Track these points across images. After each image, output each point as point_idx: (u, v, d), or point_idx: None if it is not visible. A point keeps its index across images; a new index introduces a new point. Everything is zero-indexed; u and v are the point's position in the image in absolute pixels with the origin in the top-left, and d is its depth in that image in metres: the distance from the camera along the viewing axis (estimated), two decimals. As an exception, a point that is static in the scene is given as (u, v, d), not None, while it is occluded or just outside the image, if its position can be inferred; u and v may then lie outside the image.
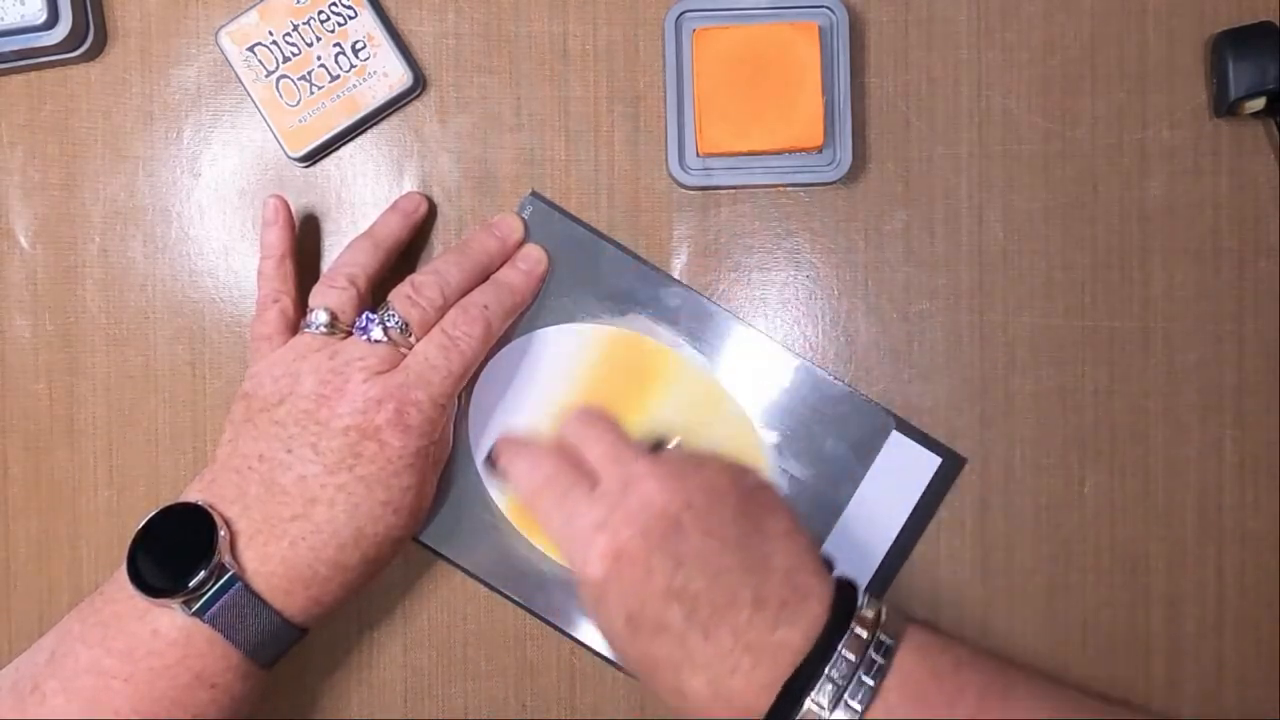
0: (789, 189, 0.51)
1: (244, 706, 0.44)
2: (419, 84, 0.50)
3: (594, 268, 0.51)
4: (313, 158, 0.50)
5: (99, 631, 0.42)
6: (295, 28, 0.49)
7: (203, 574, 0.41)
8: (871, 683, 0.38)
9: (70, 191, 0.51)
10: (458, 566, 0.51)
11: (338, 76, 0.49)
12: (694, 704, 0.40)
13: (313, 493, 0.43)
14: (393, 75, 0.50)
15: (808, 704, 0.38)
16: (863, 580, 0.50)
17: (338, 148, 0.51)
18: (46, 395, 0.51)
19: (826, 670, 0.38)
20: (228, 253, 0.51)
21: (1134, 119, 0.51)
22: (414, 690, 0.51)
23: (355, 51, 0.50)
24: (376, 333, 0.45)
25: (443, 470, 0.49)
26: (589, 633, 0.51)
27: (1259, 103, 0.49)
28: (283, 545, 0.42)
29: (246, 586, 0.42)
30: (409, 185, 0.51)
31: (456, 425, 0.50)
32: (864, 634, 0.39)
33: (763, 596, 0.40)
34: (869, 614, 0.40)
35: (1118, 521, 0.51)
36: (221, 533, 0.42)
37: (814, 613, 0.40)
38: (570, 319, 0.51)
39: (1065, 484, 0.51)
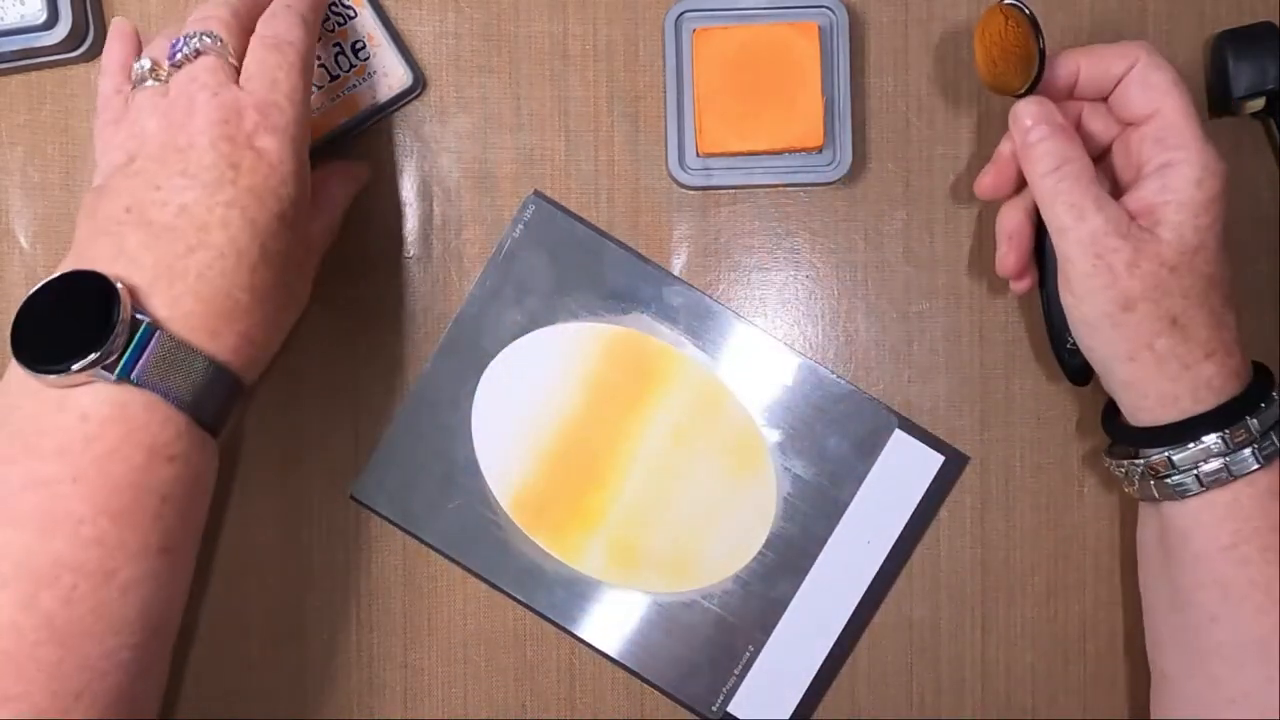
0: (789, 189, 0.51)
1: (208, 479, 0.40)
2: (419, 84, 0.50)
3: (596, 266, 0.51)
4: (312, 157, 0.50)
5: (18, 443, 0.36)
6: None
7: (115, 331, 0.35)
8: None
9: (70, 191, 0.51)
10: (458, 565, 0.51)
11: (337, 76, 0.49)
12: (1228, 337, 0.43)
13: (201, 218, 0.38)
14: (392, 75, 0.50)
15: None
16: (864, 580, 0.51)
17: (338, 147, 0.51)
18: (46, 395, 0.51)
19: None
20: (228, 253, 0.51)
21: (1134, 119, 0.51)
22: (414, 690, 0.51)
23: (355, 51, 0.49)
24: (191, 46, 0.41)
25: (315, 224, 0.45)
26: (589, 632, 0.51)
27: (1259, 103, 0.49)
28: (189, 281, 0.38)
29: (167, 333, 0.37)
30: (409, 185, 0.51)
31: (459, 426, 0.50)
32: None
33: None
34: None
35: (1118, 521, 0.51)
36: (119, 285, 0.36)
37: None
38: (572, 318, 0.51)
39: (1065, 484, 0.51)
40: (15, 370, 0.37)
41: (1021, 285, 0.47)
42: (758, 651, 0.50)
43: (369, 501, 0.51)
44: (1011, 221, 0.47)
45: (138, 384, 0.36)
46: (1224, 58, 0.49)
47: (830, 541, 0.50)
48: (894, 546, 0.51)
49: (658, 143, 0.51)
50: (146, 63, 0.42)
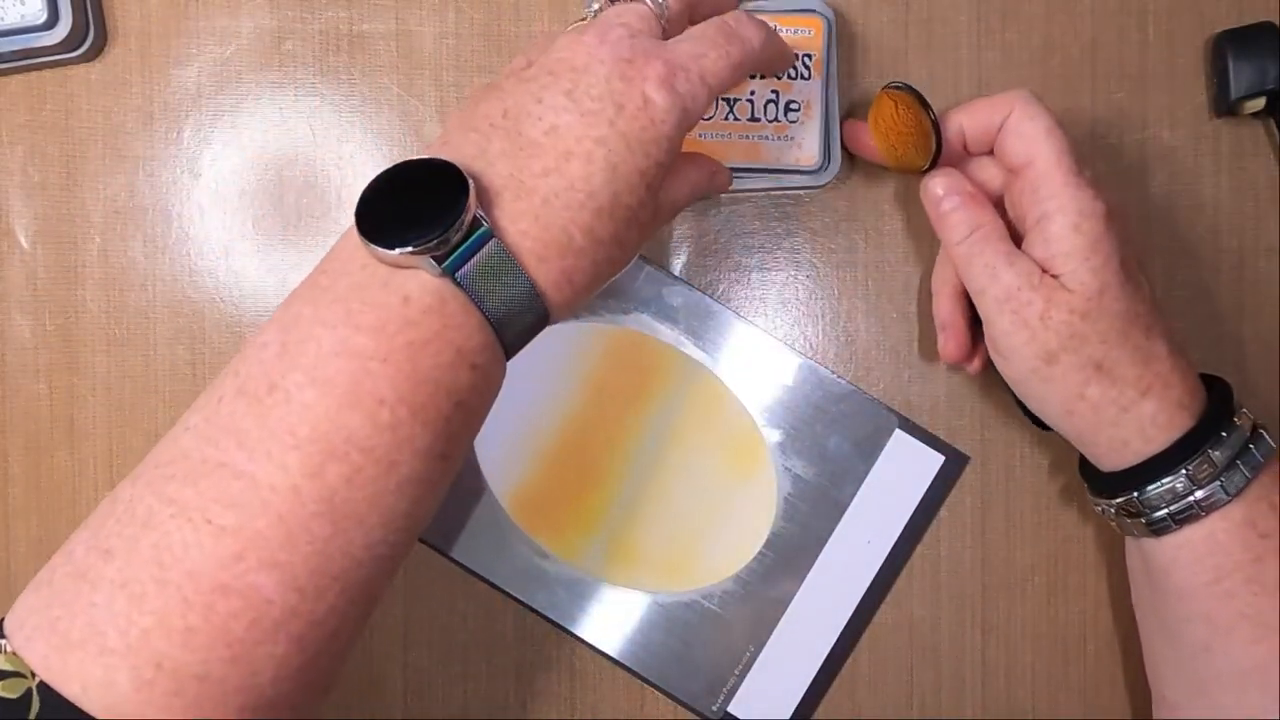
0: (789, 190, 0.51)
1: (490, 402, 0.38)
2: (825, 171, 0.49)
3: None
4: None
5: (338, 309, 0.35)
6: None
7: (457, 224, 0.34)
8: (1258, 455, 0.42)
9: (70, 191, 0.51)
10: (459, 564, 0.51)
11: (757, 120, 0.49)
12: (1161, 369, 0.42)
13: (567, 145, 0.37)
14: (805, 150, 0.49)
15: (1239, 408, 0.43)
16: (864, 580, 0.51)
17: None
18: (46, 395, 0.51)
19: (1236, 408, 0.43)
20: (228, 253, 0.51)
21: (1134, 119, 0.51)
22: (414, 690, 0.51)
23: (787, 109, 0.49)
24: None
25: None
26: (589, 632, 0.51)
27: (1259, 103, 0.49)
28: (534, 202, 0.36)
29: (501, 242, 0.36)
30: (409, 185, 0.51)
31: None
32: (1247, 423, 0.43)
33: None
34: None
35: (1118, 521, 0.51)
36: (470, 182, 0.35)
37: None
38: (572, 317, 0.51)
39: (1065, 483, 0.51)
40: (351, 237, 0.36)
41: (973, 367, 0.48)
42: (758, 651, 0.50)
43: (369, 501, 0.51)
44: (944, 311, 0.48)
45: (460, 284, 0.35)
46: (1224, 58, 0.49)
47: (830, 541, 0.50)
48: (894, 546, 0.51)
49: (658, 143, 0.51)
50: (595, 4, 0.41)
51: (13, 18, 0.48)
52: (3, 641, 0.33)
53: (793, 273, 0.51)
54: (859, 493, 0.50)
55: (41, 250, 0.51)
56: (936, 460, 0.51)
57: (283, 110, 0.51)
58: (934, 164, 0.46)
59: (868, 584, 0.51)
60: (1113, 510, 0.45)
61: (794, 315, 0.51)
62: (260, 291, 0.51)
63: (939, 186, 0.45)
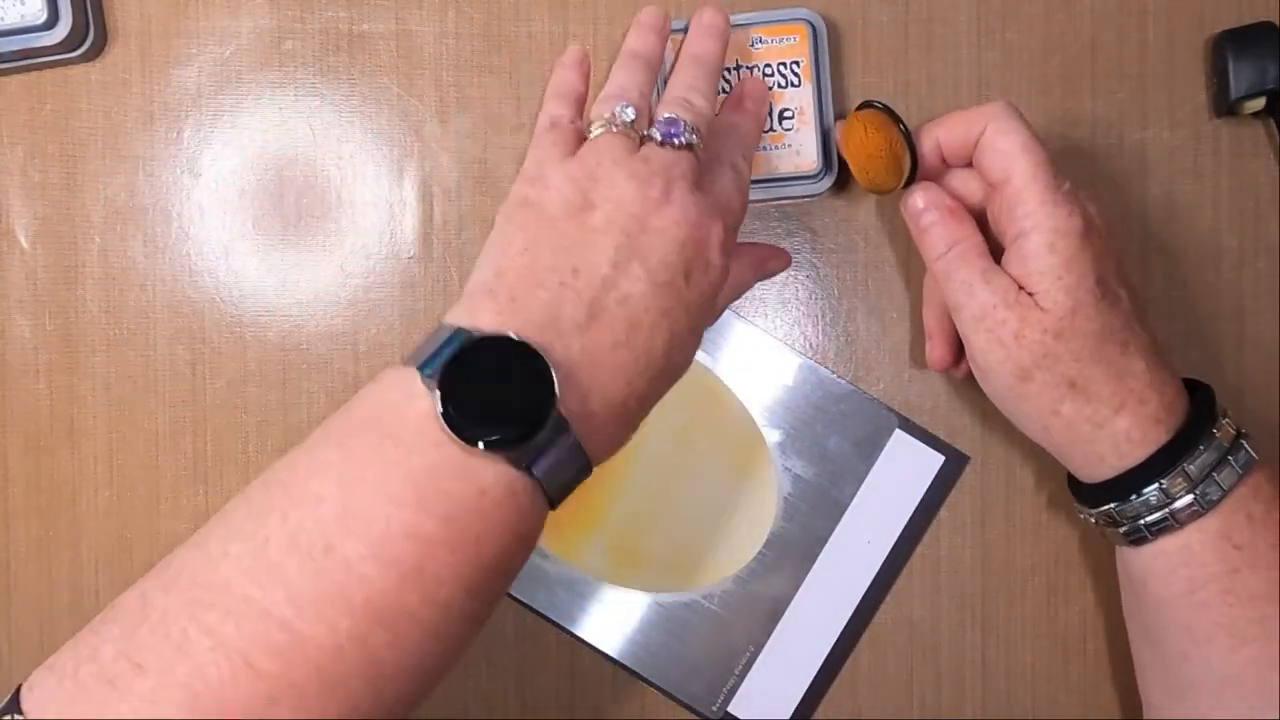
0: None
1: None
2: (824, 176, 0.49)
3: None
4: None
5: (410, 490, 0.34)
6: (737, 69, 0.49)
7: (544, 430, 0.34)
8: (1237, 468, 0.42)
9: (70, 191, 0.51)
10: (458, 566, 0.51)
11: None
12: (1136, 386, 0.42)
13: (636, 316, 0.37)
14: (804, 156, 0.49)
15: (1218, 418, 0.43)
16: (864, 580, 0.51)
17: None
18: (46, 395, 0.51)
19: (1219, 414, 0.43)
20: (228, 253, 0.51)
21: (1134, 119, 0.51)
22: (414, 690, 0.51)
23: (781, 117, 0.49)
24: (686, 137, 0.40)
25: None
26: (589, 632, 0.51)
27: (1259, 103, 0.49)
28: (602, 377, 0.36)
29: (573, 436, 0.35)
30: (409, 185, 0.51)
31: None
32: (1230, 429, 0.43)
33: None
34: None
35: (1118, 521, 0.51)
36: (556, 374, 0.35)
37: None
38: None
39: (1065, 484, 0.51)
40: (421, 406, 0.35)
41: (959, 371, 0.48)
42: (758, 651, 0.50)
43: (369, 501, 0.51)
44: (930, 320, 0.48)
45: (535, 476, 0.35)
46: (1224, 58, 0.49)
47: (830, 541, 0.50)
48: (894, 546, 0.51)
49: (658, 143, 0.51)
50: (632, 113, 0.41)
51: (13, 18, 0.48)
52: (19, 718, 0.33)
53: (793, 273, 0.51)
54: (859, 493, 0.50)
55: (41, 250, 0.51)
56: (936, 460, 0.51)
57: (283, 110, 0.51)
58: (910, 181, 0.45)
59: (868, 584, 0.51)
60: (1094, 520, 0.45)
61: (794, 315, 0.51)
62: (260, 291, 0.51)
63: (919, 201, 0.45)
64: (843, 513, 0.50)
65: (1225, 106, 0.49)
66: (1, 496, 0.51)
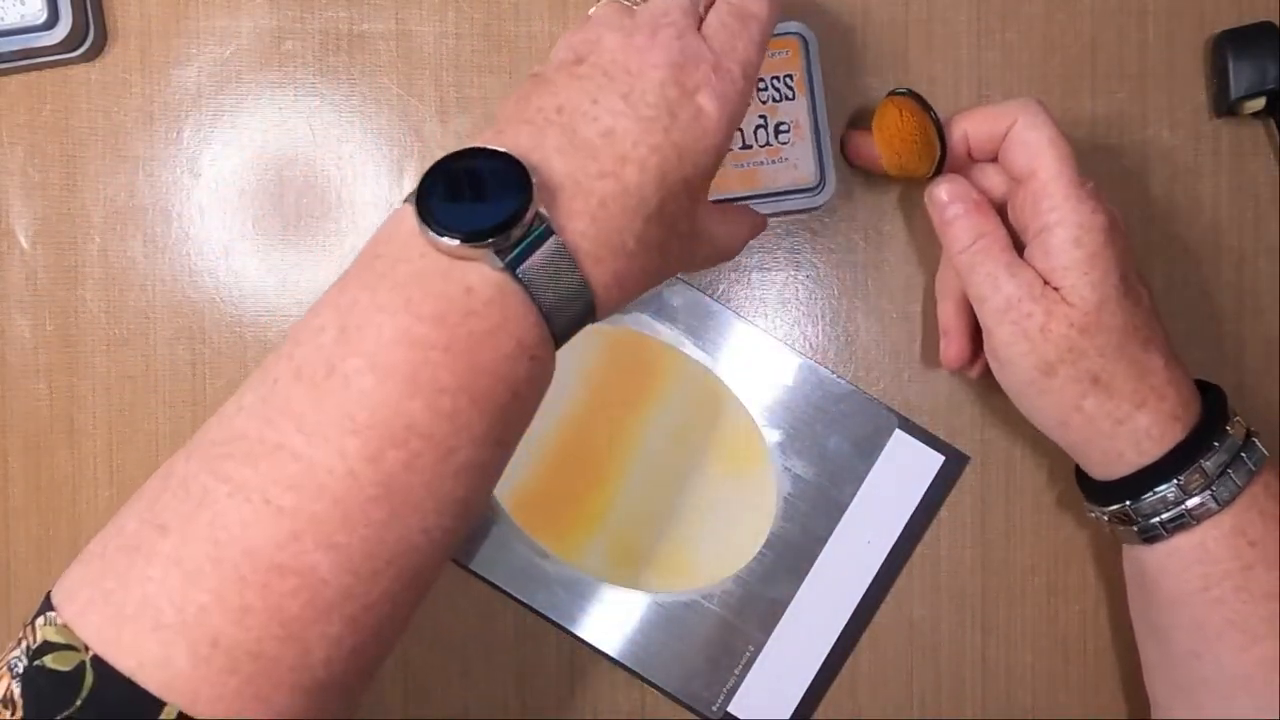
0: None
1: (544, 392, 0.38)
2: (823, 189, 0.49)
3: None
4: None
5: (398, 296, 0.35)
6: None
7: (524, 220, 0.34)
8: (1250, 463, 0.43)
9: (70, 191, 0.51)
10: (458, 564, 0.51)
11: (749, 147, 0.49)
12: (1156, 382, 0.42)
13: (624, 150, 0.37)
14: (802, 169, 0.49)
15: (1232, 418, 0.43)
16: (864, 580, 0.51)
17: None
18: (46, 395, 0.51)
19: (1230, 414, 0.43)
20: (228, 253, 0.51)
21: (1134, 119, 0.51)
22: (414, 690, 0.51)
23: (777, 131, 0.49)
24: None
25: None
26: (589, 632, 0.51)
27: (1259, 103, 0.49)
28: (591, 203, 0.36)
29: (562, 241, 0.36)
30: (409, 185, 0.51)
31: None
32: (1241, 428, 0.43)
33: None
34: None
35: (1118, 521, 0.51)
36: (535, 178, 0.35)
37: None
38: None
39: (1065, 484, 0.51)
40: (406, 222, 0.36)
41: (974, 371, 0.49)
42: (758, 651, 0.50)
43: (369, 501, 0.51)
44: (946, 317, 0.48)
45: (520, 278, 0.35)
46: (1224, 58, 0.49)
47: (830, 541, 0.50)
48: (894, 546, 0.51)
49: (658, 143, 0.51)
50: None
51: (13, 18, 0.48)
52: (52, 614, 0.32)
53: (793, 273, 0.51)
54: (859, 493, 0.50)
55: (41, 250, 0.51)
56: (936, 460, 0.51)
57: (283, 110, 0.51)
58: (939, 170, 0.46)
59: (868, 584, 0.51)
60: (1106, 518, 0.45)
61: (794, 315, 0.51)
62: (260, 291, 0.51)
63: (944, 193, 0.45)
64: (843, 513, 0.50)
65: (1225, 106, 0.49)
66: (1, 496, 0.51)
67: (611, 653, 0.51)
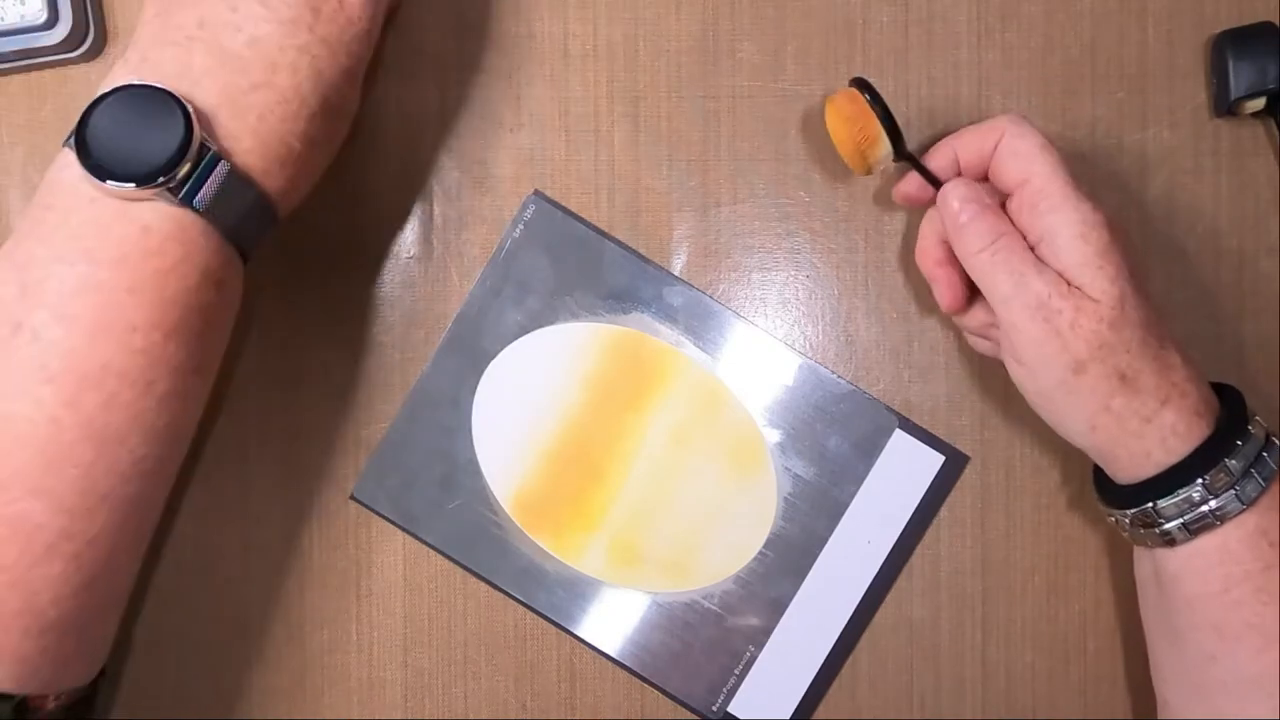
0: (791, 189, 0.51)
1: (237, 308, 0.40)
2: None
3: (596, 266, 0.51)
4: None
5: (75, 246, 0.36)
6: None
7: (188, 156, 0.35)
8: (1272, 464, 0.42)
9: (70, 191, 0.51)
10: (459, 564, 0.51)
11: None
12: (1178, 378, 0.42)
13: (271, 57, 0.37)
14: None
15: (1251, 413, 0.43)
16: (864, 580, 0.51)
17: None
18: (46, 395, 0.51)
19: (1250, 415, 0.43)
20: (228, 253, 0.51)
21: (1134, 119, 0.51)
22: (414, 690, 0.51)
23: None
24: None
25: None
26: (589, 632, 0.51)
27: (1259, 103, 0.49)
28: (250, 119, 0.37)
29: (229, 164, 0.36)
30: (409, 185, 0.51)
31: (459, 426, 0.50)
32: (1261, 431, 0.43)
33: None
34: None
35: (1118, 521, 0.51)
36: (190, 109, 0.36)
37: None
38: (573, 318, 0.51)
39: (1065, 484, 0.51)
40: (73, 169, 0.36)
41: (970, 319, 0.47)
42: (758, 651, 0.50)
43: (369, 502, 0.51)
44: (928, 262, 0.47)
45: (197, 210, 0.36)
46: (1224, 58, 0.49)
47: (830, 541, 0.50)
48: (894, 546, 0.51)
49: (658, 143, 0.51)
50: None
51: (13, 18, 0.48)
52: None
53: (793, 273, 0.51)
54: (859, 493, 0.50)
55: (41, 250, 0.51)
56: (936, 460, 0.51)
57: (283, 110, 0.51)
58: (900, 155, 0.45)
59: (868, 584, 0.51)
60: (1127, 521, 0.44)
61: (794, 315, 0.51)
62: (260, 292, 0.51)
63: (955, 199, 0.44)
64: (843, 513, 0.50)
65: (1225, 106, 0.49)
66: (1, 496, 0.51)
67: (611, 653, 0.51)
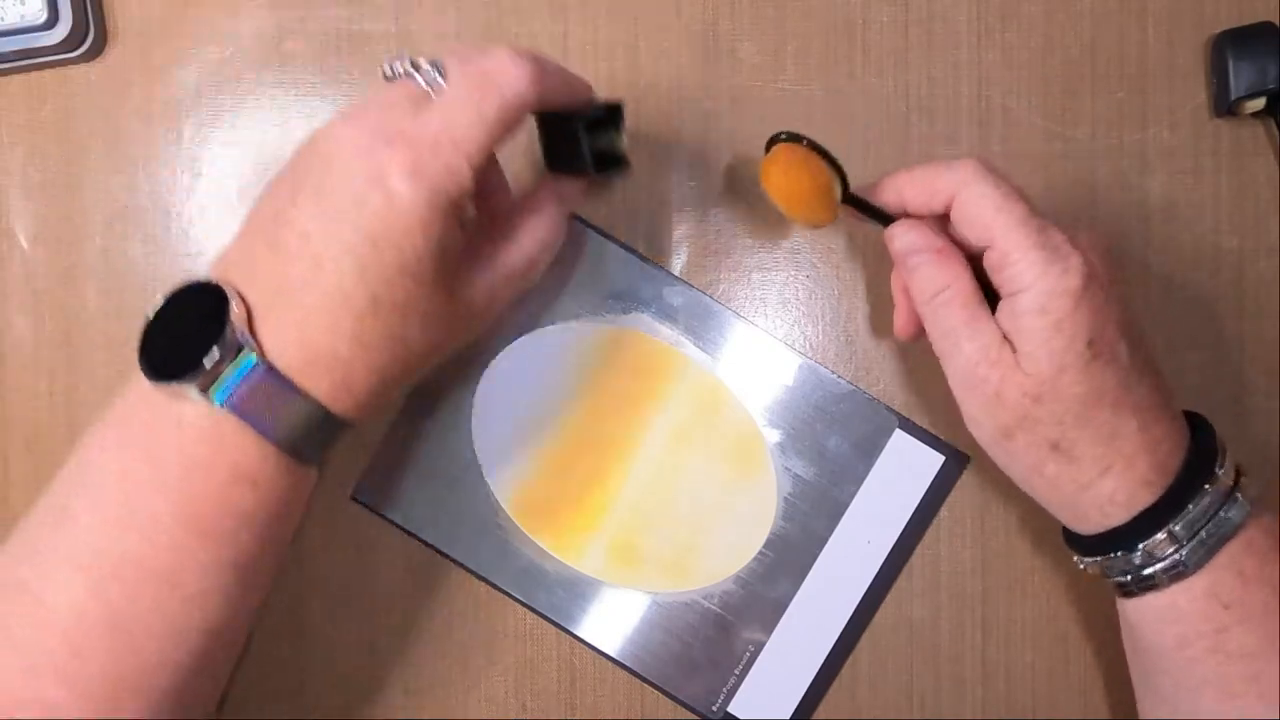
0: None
1: (295, 507, 0.39)
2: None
3: (597, 266, 0.51)
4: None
5: (116, 433, 0.37)
6: None
7: (217, 352, 0.35)
8: (1236, 514, 0.40)
9: (70, 191, 0.51)
10: (459, 564, 0.51)
11: None
12: (1125, 448, 0.40)
13: (317, 251, 0.36)
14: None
15: (1215, 471, 0.40)
16: (864, 580, 0.51)
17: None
18: (47, 395, 0.51)
19: (1221, 446, 0.41)
20: (228, 253, 0.51)
21: (1134, 119, 0.51)
22: (414, 690, 0.51)
23: None
24: (402, 65, 0.39)
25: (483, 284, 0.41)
26: (589, 632, 0.51)
27: (1259, 103, 0.49)
28: (297, 316, 0.36)
29: (267, 366, 0.36)
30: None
31: (459, 426, 0.50)
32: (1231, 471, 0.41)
33: (1155, 361, 0.42)
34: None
35: (1118, 521, 0.51)
36: (233, 304, 0.36)
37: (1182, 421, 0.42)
38: (573, 317, 0.51)
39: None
40: (135, 367, 0.37)
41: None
42: (758, 651, 0.50)
43: (370, 502, 0.51)
44: (896, 289, 0.45)
45: (230, 409, 0.36)
46: (1224, 58, 0.49)
47: (830, 541, 0.50)
48: (894, 546, 0.51)
49: (658, 143, 0.51)
50: (403, 63, 0.39)
51: (13, 18, 0.48)
52: None
53: (793, 273, 0.51)
54: (859, 493, 0.50)
55: (41, 250, 0.51)
56: (936, 460, 0.51)
57: (283, 110, 0.51)
58: (846, 199, 0.43)
59: (868, 584, 0.51)
60: (1085, 568, 0.44)
61: (793, 315, 0.51)
62: (260, 291, 0.51)
63: (903, 243, 0.43)
64: (843, 513, 0.50)
65: (1225, 106, 0.49)
66: (2, 497, 0.51)
67: (611, 653, 0.51)
